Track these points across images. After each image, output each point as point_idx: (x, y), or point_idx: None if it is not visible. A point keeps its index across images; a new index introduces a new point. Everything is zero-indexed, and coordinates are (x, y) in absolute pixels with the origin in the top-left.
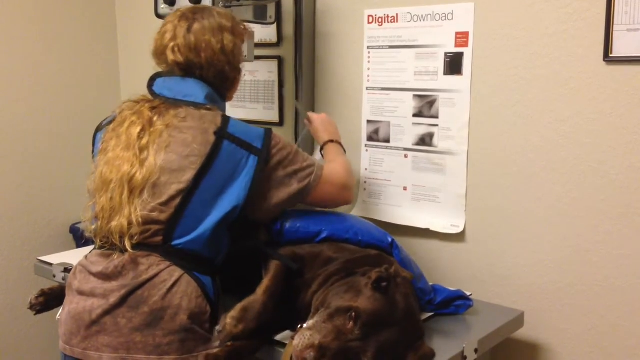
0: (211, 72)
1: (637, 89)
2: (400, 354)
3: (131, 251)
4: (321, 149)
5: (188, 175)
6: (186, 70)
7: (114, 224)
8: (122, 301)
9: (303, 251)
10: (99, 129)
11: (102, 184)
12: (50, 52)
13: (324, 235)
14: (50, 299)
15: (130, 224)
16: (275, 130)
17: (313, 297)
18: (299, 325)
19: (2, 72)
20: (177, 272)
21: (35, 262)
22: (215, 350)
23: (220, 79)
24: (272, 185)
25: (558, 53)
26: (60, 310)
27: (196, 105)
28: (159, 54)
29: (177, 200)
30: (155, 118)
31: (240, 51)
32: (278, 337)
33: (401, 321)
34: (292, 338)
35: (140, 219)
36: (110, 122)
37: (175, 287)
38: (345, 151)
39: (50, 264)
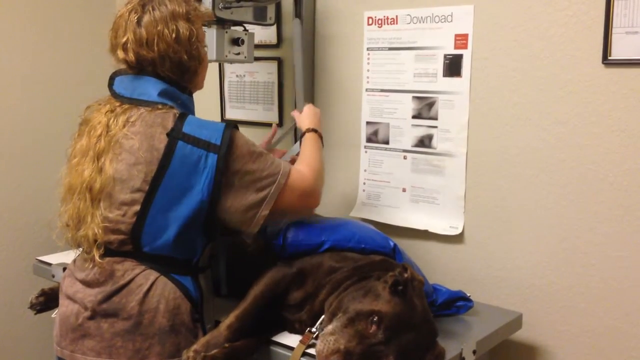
0: (166, 65)
1: (636, 92)
2: (419, 356)
3: (100, 260)
4: (301, 136)
5: (137, 184)
6: (139, 67)
7: (81, 232)
8: (101, 307)
9: (304, 263)
10: None
11: (68, 191)
12: (49, 53)
13: (326, 245)
14: (51, 299)
15: (95, 234)
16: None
17: (323, 305)
18: (307, 330)
19: (1, 73)
20: (152, 275)
21: (34, 262)
22: (213, 352)
23: (178, 71)
24: (229, 192)
25: (557, 55)
26: (56, 310)
27: (150, 105)
28: (113, 52)
29: (135, 209)
30: (111, 122)
31: (199, 37)
32: (275, 338)
33: (420, 324)
34: (301, 342)
35: (101, 231)
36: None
37: (151, 290)
38: (323, 144)
39: (49, 264)
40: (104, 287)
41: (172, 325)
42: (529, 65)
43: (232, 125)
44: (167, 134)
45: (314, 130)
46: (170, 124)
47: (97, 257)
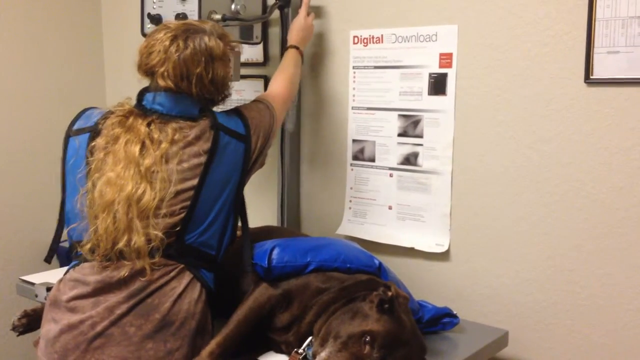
0: (202, 98)
1: (618, 110)
2: None
3: (144, 262)
4: (285, 49)
5: (195, 183)
6: (176, 90)
7: (121, 244)
8: (130, 311)
9: (290, 285)
10: (70, 135)
11: (103, 205)
12: (36, 69)
13: (312, 267)
14: (33, 320)
15: (148, 239)
16: None
17: (312, 327)
18: (294, 351)
19: None
20: (185, 278)
21: (17, 282)
22: None
23: (209, 102)
24: (258, 156)
25: (540, 75)
26: (42, 329)
27: (193, 119)
28: (146, 72)
29: (188, 202)
30: (155, 135)
31: (229, 73)
32: (261, 358)
33: (410, 339)
34: None
35: (160, 233)
36: (92, 134)
37: (184, 293)
38: (303, 61)
39: (33, 284)
40: (131, 290)
41: (198, 328)
42: (512, 84)
43: (242, 113)
44: (211, 127)
45: (297, 48)
46: (210, 118)
47: (147, 267)
